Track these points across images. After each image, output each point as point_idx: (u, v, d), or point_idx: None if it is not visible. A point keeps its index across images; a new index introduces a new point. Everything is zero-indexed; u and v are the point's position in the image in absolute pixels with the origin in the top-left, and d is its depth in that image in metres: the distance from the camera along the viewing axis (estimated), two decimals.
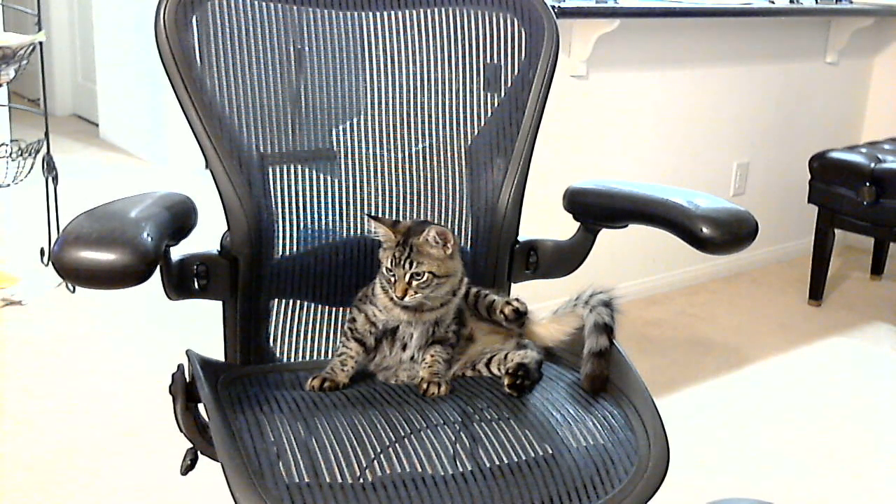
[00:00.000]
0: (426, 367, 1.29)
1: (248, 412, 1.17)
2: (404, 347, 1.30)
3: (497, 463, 1.10)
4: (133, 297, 2.88)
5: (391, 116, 1.44)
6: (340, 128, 1.42)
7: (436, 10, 1.44)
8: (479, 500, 1.05)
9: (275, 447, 1.10)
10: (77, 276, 0.98)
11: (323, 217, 1.41)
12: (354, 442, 1.11)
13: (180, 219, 1.18)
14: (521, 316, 1.33)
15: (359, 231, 1.43)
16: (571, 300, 1.38)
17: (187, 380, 1.24)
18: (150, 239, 1.02)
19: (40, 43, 2.86)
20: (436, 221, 1.46)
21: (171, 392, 1.24)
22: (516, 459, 1.11)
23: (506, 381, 1.27)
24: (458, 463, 1.09)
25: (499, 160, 1.45)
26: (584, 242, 1.44)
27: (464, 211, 1.47)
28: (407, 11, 1.43)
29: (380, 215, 1.42)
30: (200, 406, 1.22)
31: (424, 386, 1.26)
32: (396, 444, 1.11)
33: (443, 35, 1.44)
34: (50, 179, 3.06)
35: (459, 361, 1.33)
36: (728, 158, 3.47)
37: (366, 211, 1.43)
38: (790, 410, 2.54)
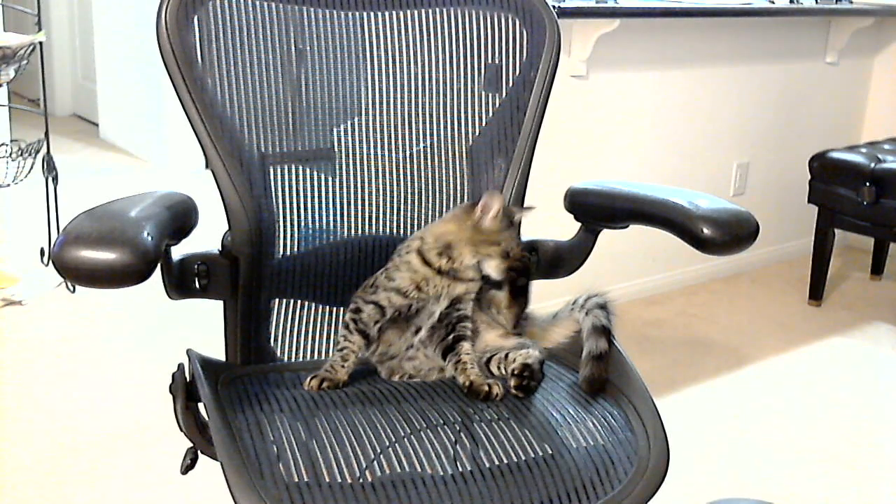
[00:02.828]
0: (468, 369, 1.27)
1: (248, 412, 1.18)
2: (417, 331, 1.30)
3: (497, 463, 1.10)
4: (133, 297, 2.88)
5: (392, 116, 1.44)
6: (341, 128, 1.42)
7: (436, 10, 1.44)
8: (478, 501, 1.05)
9: (274, 447, 1.10)
10: (77, 275, 0.98)
11: (324, 217, 1.41)
12: (354, 442, 1.11)
13: (181, 218, 1.18)
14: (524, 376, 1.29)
15: (359, 231, 1.43)
16: (568, 305, 1.38)
17: (187, 379, 1.24)
18: (150, 238, 1.02)
19: (40, 43, 2.86)
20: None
21: (171, 391, 1.24)
22: (516, 459, 1.11)
23: (512, 383, 1.26)
24: (457, 463, 1.09)
25: (500, 160, 1.45)
26: (585, 243, 1.44)
27: None
28: (408, 11, 1.43)
29: (376, 215, 1.43)
30: (201, 405, 1.22)
31: (485, 388, 1.24)
32: (396, 444, 1.12)
33: (444, 35, 1.44)
34: (50, 179, 3.06)
35: None
36: (728, 158, 3.47)
37: (366, 211, 1.43)
38: (790, 410, 2.54)
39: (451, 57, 1.44)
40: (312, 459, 1.08)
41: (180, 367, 1.25)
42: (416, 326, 1.30)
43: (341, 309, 1.43)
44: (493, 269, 1.28)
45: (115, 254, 0.97)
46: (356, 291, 1.34)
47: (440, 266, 1.28)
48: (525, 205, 1.44)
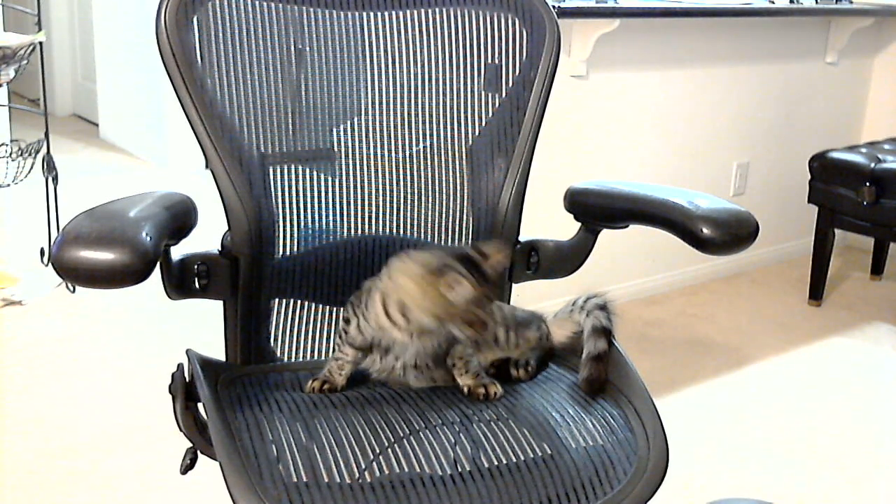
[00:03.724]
0: (464, 374, 1.26)
1: (248, 412, 1.17)
2: (396, 358, 1.27)
3: (496, 463, 1.10)
4: (133, 297, 2.88)
5: (391, 116, 1.44)
6: (341, 127, 1.42)
7: (436, 9, 1.44)
8: (477, 501, 1.05)
9: (274, 447, 1.10)
10: (76, 275, 0.98)
11: (323, 217, 1.41)
12: (353, 443, 1.11)
13: (180, 218, 1.18)
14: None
15: (359, 231, 1.43)
16: (568, 306, 1.38)
17: (187, 379, 1.24)
18: (148, 238, 1.02)
19: (40, 43, 2.86)
20: (436, 221, 1.46)
21: (170, 392, 1.24)
22: (515, 460, 1.11)
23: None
24: (457, 464, 1.09)
25: (500, 160, 1.45)
26: (584, 243, 1.44)
27: (464, 211, 1.47)
28: (408, 11, 1.43)
29: (376, 215, 1.43)
30: (200, 405, 1.22)
31: (482, 391, 1.24)
32: (395, 445, 1.11)
33: (444, 35, 1.44)
34: (50, 179, 3.06)
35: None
36: (728, 158, 3.47)
37: (366, 211, 1.43)
38: (790, 410, 2.54)
39: (451, 57, 1.44)
40: (312, 460, 1.08)
41: (180, 367, 1.25)
42: (395, 355, 1.27)
43: (341, 309, 1.42)
44: (459, 333, 1.20)
45: (114, 254, 0.97)
46: (355, 292, 1.31)
47: (397, 322, 1.20)
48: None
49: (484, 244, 1.22)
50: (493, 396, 1.24)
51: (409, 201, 1.45)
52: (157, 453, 2.13)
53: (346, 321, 1.29)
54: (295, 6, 1.37)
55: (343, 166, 1.42)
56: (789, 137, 3.66)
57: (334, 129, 1.42)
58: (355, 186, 1.43)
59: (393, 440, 1.12)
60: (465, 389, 1.25)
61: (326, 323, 1.43)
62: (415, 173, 1.45)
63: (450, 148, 1.46)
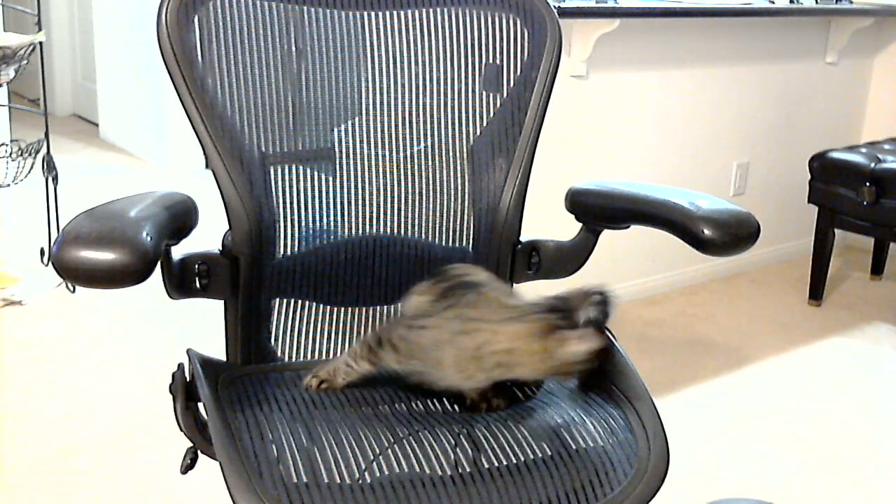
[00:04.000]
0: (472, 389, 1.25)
1: (248, 412, 1.17)
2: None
3: (496, 464, 1.10)
4: (134, 297, 2.89)
5: (392, 116, 1.44)
6: (342, 127, 1.42)
7: (437, 9, 1.43)
8: (477, 501, 1.05)
9: (274, 447, 1.10)
10: (76, 275, 0.98)
11: (324, 217, 1.41)
12: (354, 443, 1.11)
13: (180, 218, 1.18)
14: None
15: (359, 231, 1.43)
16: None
17: (187, 379, 1.24)
18: (149, 238, 1.02)
19: (40, 43, 2.86)
20: (436, 221, 1.46)
21: (171, 391, 1.24)
22: (515, 461, 1.11)
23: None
24: (457, 464, 1.09)
25: (501, 160, 1.45)
26: (585, 243, 1.44)
27: (465, 211, 1.47)
28: (408, 11, 1.43)
29: (376, 215, 1.42)
30: (201, 405, 1.22)
31: (484, 406, 1.23)
32: (395, 446, 1.11)
33: (444, 35, 1.44)
34: (50, 179, 3.06)
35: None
36: (728, 158, 3.47)
37: (366, 211, 1.43)
38: (790, 410, 2.54)
39: (451, 57, 1.44)
40: (312, 460, 1.08)
41: (180, 366, 1.25)
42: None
43: (342, 308, 1.42)
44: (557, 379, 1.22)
45: (114, 254, 0.97)
46: (402, 321, 1.25)
47: (492, 376, 1.16)
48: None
49: (572, 294, 1.20)
50: (496, 407, 1.23)
51: (409, 201, 1.45)
52: (157, 453, 2.13)
53: (379, 343, 1.23)
54: (295, 6, 1.37)
55: (343, 166, 1.42)
56: (789, 137, 3.66)
57: (334, 129, 1.42)
58: (355, 186, 1.43)
59: (393, 440, 1.12)
60: (469, 402, 1.25)
61: (327, 323, 1.43)
62: (415, 173, 1.45)
63: (450, 148, 1.46)
